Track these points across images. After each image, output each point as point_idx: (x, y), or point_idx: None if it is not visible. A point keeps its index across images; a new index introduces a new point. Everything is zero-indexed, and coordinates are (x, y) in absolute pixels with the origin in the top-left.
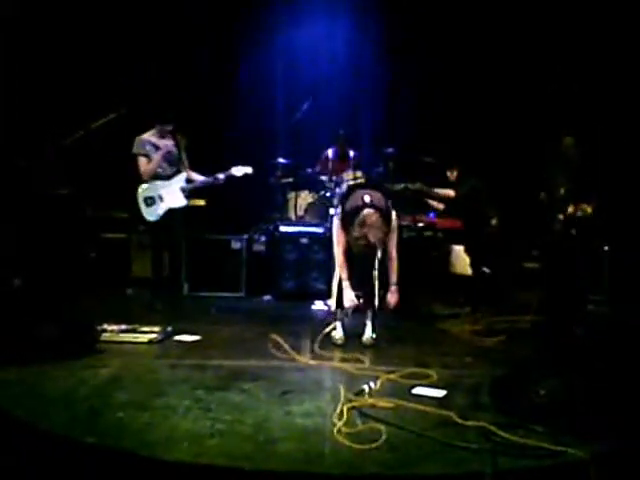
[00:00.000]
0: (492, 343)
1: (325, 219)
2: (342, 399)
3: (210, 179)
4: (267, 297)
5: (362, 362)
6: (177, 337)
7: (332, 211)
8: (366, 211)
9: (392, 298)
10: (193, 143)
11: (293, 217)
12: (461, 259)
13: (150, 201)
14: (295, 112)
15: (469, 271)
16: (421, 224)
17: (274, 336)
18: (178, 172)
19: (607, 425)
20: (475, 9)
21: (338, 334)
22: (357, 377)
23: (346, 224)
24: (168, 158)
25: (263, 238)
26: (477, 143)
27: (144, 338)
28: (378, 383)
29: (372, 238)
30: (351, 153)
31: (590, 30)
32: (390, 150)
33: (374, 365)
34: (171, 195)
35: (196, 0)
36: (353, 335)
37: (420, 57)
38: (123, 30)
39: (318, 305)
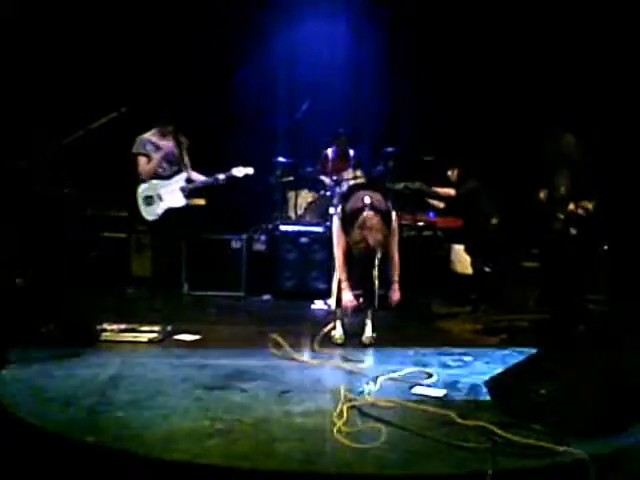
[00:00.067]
0: (492, 342)
1: (325, 218)
2: (342, 398)
3: (210, 179)
4: (267, 296)
5: (362, 361)
6: (177, 336)
7: (332, 210)
8: (366, 213)
9: (394, 295)
10: (193, 143)
11: (293, 216)
12: (461, 258)
13: (149, 200)
14: (295, 111)
15: (469, 270)
16: (421, 223)
17: (274, 335)
18: (178, 172)
19: (607, 425)
20: (476, 9)
21: (338, 333)
22: (357, 376)
23: (346, 226)
24: (169, 158)
25: (263, 237)
26: (478, 142)
27: (144, 337)
28: (378, 382)
29: (372, 241)
30: (351, 152)
31: (589, 29)
32: (390, 149)
33: (374, 364)
34: (170, 195)
35: (195, 0)
36: (353, 334)
37: (420, 56)
38: (123, 30)
39: (318, 304)
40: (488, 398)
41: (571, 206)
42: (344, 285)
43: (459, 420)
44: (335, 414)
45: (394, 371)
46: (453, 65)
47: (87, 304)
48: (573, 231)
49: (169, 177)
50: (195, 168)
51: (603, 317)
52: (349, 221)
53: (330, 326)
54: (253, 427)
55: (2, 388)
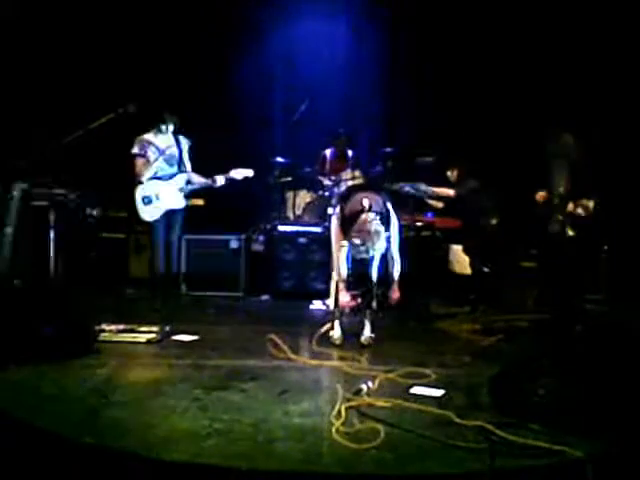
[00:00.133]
0: (490, 342)
1: (323, 218)
2: (340, 399)
3: (209, 181)
4: (265, 297)
5: (360, 362)
6: (175, 337)
7: (330, 210)
8: (365, 216)
9: (394, 294)
10: (191, 143)
11: (291, 216)
12: (460, 258)
13: (147, 201)
14: (294, 111)
15: (468, 270)
16: (420, 223)
17: (272, 336)
18: (178, 173)
19: (605, 424)
20: (475, 9)
21: (336, 334)
22: (355, 377)
23: (345, 227)
24: (168, 159)
25: (261, 237)
26: (477, 143)
27: (142, 338)
28: (376, 383)
29: (370, 245)
30: (349, 153)
31: (588, 28)
32: (389, 149)
33: (372, 365)
34: (169, 196)
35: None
36: (351, 335)
37: (419, 56)
38: (122, 29)
39: (316, 305)
40: (486, 398)
41: (570, 206)
42: (341, 286)
43: (457, 420)
44: (333, 414)
45: (392, 371)
46: (452, 65)
47: (86, 305)
48: (571, 233)
49: (168, 178)
50: (194, 167)
51: (602, 317)
52: (348, 223)
53: (327, 326)
54: (252, 427)
55: (1, 389)
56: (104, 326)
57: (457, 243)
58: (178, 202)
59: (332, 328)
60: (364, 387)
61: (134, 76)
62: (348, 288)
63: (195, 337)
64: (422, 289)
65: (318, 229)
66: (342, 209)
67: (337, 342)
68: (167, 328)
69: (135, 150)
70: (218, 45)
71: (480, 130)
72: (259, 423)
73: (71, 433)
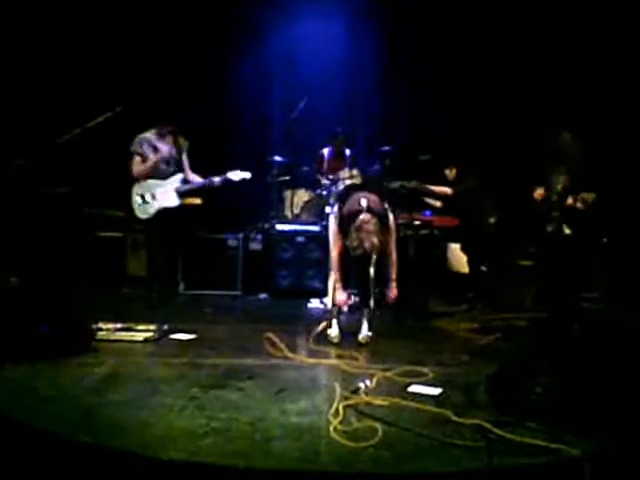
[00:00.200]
0: (488, 341)
1: (321, 217)
2: (338, 397)
3: (206, 182)
4: (263, 295)
5: (358, 360)
6: (173, 335)
7: (328, 209)
8: (363, 216)
9: (392, 293)
10: (190, 141)
11: (289, 215)
12: (458, 257)
13: (143, 199)
14: (292, 110)
15: (466, 269)
16: (417, 222)
17: (269, 334)
18: (175, 173)
19: (602, 423)
20: (473, 7)
21: (334, 332)
22: (353, 375)
23: (343, 227)
24: (166, 159)
25: (259, 236)
26: (475, 142)
27: (140, 337)
28: (374, 381)
29: (368, 245)
30: (347, 151)
31: (586, 26)
32: (387, 148)
33: (370, 363)
34: (164, 195)
35: None
36: (349, 333)
37: (418, 55)
38: (119, 29)
39: (314, 303)
40: (484, 396)
41: (570, 200)
42: (338, 285)
43: (455, 418)
44: (331, 413)
45: (390, 370)
46: (451, 64)
47: (83, 303)
48: (567, 231)
49: (165, 177)
50: (192, 166)
51: (599, 315)
52: (346, 223)
53: (324, 324)
54: (249, 426)
55: None
56: (101, 325)
57: (455, 241)
58: (172, 201)
59: (330, 326)
60: (362, 385)
61: (132, 75)
62: (345, 287)
63: (192, 336)
64: (420, 287)
65: (316, 228)
66: (340, 208)
67: (335, 340)
68: (165, 327)
69: (133, 148)
70: (217, 43)
71: (478, 129)
72: (256, 422)
73: (68, 432)
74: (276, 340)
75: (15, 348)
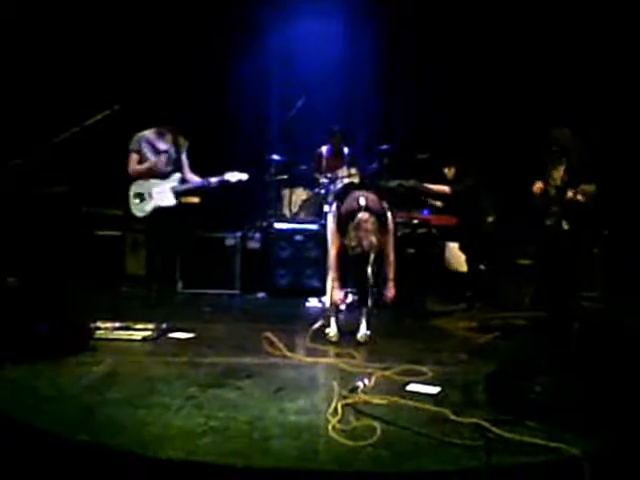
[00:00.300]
0: (487, 340)
1: (319, 216)
2: (336, 396)
3: (204, 182)
4: (261, 294)
5: (356, 359)
6: (171, 334)
7: (326, 208)
8: (361, 215)
9: (389, 292)
10: (188, 139)
11: (287, 214)
12: (456, 256)
13: (140, 197)
14: (290, 109)
15: (464, 268)
16: (416, 221)
17: (267, 334)
18: (174, 172)
19: (602, 422)
20: (472, 7)
21: (332, 331)
22: (351, 374)
23: (341, 226)
24: (165, 159)
25: (257, 235)
26: (474, 141)
27: (138, 336)
28: (372, 380)
29: (366, 244)
30: (345, 150)
31: (585, 25)
32: (385, 147)
33: (368, 362)
34: (161, 194)
35: None
36: (348, 332)
37: (416, 54)
38: (118, 28)
39: (312, 302)
40: (482, 395)
41: (570, 193)
42: (335, 284)
43: (453, 417)
44: (329, 412)
45: (389, 369)
46: (449, 63)
47: (81, 302)
48: (566, 226)
49: (163, 176)
50: (190, 164)
51: (598, 314)
52: (344, 221)
53: (320, 322)
54: (247, 425)
55: None
56: (100, 324)
57: (454, 240)
58: (168, 201)
59: (328, 325)
60: (360, 384)
61: (131, 74)
62: (343, 286)
63: (191, 335)
64: (419, 286)
65: (314, 227)
66: (338, 207)
67: (333, 339)
68: (163, 326)
69: (131, 146)
70: (215, 42)
71: (477, 128)
72: (255, 421)
73: (66, 431)
74: (274, 339)
75: (14, 347)
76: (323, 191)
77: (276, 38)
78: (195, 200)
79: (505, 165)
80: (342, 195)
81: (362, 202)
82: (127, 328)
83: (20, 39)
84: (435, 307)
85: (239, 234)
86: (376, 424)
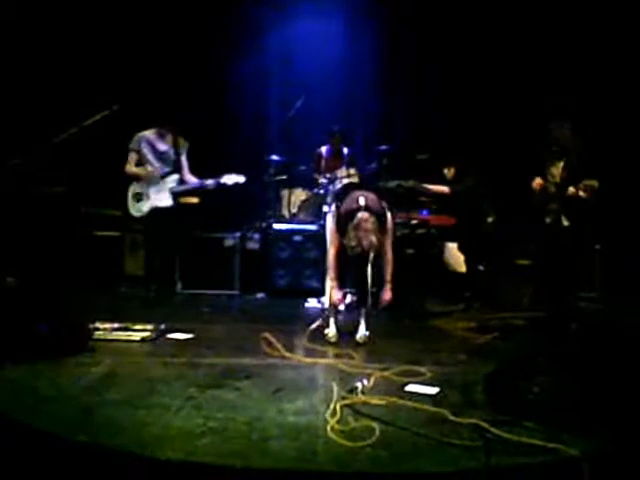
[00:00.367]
0: (485, 340)
1: (319, 216)
2: (335, 397)
3: (201, 183)
4: (260, 295)
5: (355, 359)
6: (170, 335)
7: (326, 208)
8: (360, 215)
9: (386, 295)
10: (187, 139)
11: (287, 214)
12: (455, 256)
13: (138, 197)
14: (289, 109)
15: (463, 268)
16: (415, 221)
17: (266, 334)
18: (172, 173)
19: (600, 422)
20: (471, 7)
21: (331, 332)
22: (350, 375)
23: (340, 226)
24: (164, 159)
25: (256, 236)
26: (474, 141)
27: (137, 336)
28: (371, 380)
29: (365, 243)
30: (345, 150)
31: (585, 24)
32: (384, 147)
33: (367, 362)
34: (158, 194)
35: None
36: (347, 333)
37: (416, 54)
38: (117, 28)
39: (311, 303)
40: (481, 396)
41: (571, 189)
42: (334, 284)
43: (452, 418)
44: (328, 412)
45: (387, 369)
46: (449, 63)
47: (80, 303)
48: (566, 222)
49: (162, 177)
50: (190, 164)
51: (596, 315)
52: (343, 221)
53: (318, 322)
54: (246, 425)
55: None
56: (98, 324)
57: (452, 241)
58: (165, 201)
59: (327, 325)
60: (359, 385)
61: (130, 74)
62: (342, 286)
63: (190, 335)
64: (417, 287)
65: (313, 227)
66: (338, 207)
67: (332, 340)
68: (162, 326)
69: (131, 145)
70: (215, 42)
71: (477, 128)
72: (254, 421)
73: (66, 431)
74: (273, 340)
75: (14, 348)
76: (322, 191)
77: (276, 38)
78: (194, 200)
79: (505, 166)
80: (341, 195)
81: (362, 202)
82: (126, 329)
83: (20, 39)
84: (434, 307)
85: (238, 234)
86: (375, 425)
